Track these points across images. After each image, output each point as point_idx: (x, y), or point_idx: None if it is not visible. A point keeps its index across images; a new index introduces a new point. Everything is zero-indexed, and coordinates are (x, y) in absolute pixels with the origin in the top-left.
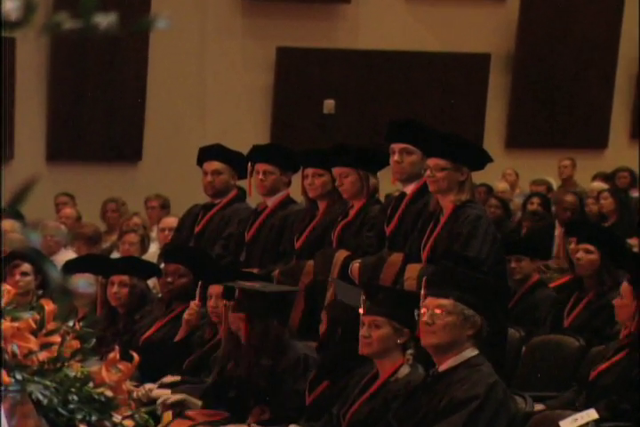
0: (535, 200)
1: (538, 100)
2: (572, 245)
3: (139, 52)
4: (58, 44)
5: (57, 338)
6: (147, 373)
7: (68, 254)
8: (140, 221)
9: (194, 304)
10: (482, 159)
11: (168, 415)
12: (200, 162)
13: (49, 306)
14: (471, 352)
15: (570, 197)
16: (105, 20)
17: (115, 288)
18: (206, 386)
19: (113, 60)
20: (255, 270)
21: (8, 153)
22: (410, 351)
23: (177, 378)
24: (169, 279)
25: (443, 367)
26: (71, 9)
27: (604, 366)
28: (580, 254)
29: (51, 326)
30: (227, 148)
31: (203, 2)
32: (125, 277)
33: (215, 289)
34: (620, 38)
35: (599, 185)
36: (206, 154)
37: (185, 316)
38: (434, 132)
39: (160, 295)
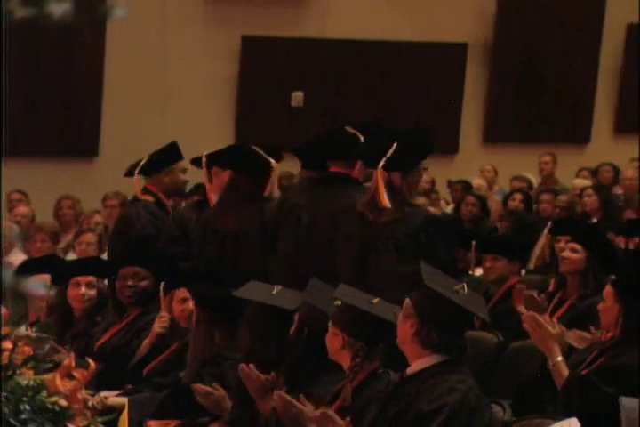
0: (517, 196)
1: (517, 93)
2: (562, 244)
3: (95, 42)
4: (8, 33)
5: (8, 344)
6: (102, 380)
7: (19, 256)
8: (101, 220)
9: (165, 316)
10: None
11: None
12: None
13: None
14: (436, 359)
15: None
16: (59, 7)
17: (83, 289)
18: (164, 394)
19: (68, 50)
20: None
21: None
22: (357, 360)
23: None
24: (129, 283)
25: (409, 371)
26: None
27: (584, 372)
28: (567, 253)
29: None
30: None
31: None
32: (93, 279)
33: (183, 293)
34: (603, 28)
35: (582, 182)
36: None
37: (156, 329)
38: None
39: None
